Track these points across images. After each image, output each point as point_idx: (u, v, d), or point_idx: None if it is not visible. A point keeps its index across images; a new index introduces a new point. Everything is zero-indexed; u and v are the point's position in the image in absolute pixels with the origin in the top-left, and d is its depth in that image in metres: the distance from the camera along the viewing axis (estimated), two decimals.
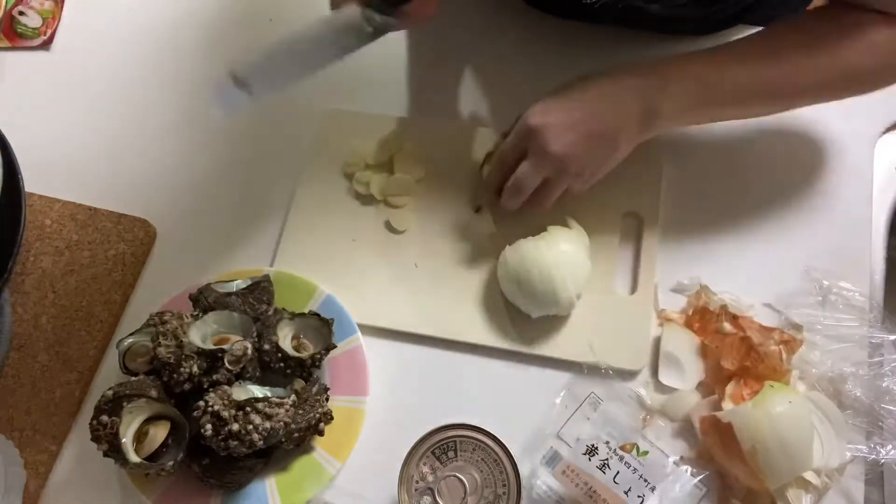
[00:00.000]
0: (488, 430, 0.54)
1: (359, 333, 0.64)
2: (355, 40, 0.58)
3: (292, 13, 0.84)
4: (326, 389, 0.61)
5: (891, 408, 0.59)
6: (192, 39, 0.83)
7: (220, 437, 0.55)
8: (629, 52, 0.75)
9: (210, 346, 0.59)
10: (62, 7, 0.86)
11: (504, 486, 0.53)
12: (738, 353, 0.60)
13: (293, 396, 0.58)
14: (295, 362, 0.61)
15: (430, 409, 0.63)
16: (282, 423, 0.56)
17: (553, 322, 0.64)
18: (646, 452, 0.58)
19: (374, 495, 0.60)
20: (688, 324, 0.63)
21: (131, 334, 0.62)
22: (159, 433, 0.57)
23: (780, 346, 0.59)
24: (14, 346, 0.67)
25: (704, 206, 0.69)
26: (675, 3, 0.68)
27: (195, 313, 0.62)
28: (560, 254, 0.61)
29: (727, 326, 0.61)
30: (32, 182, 0.69)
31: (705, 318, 0.63)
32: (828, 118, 0.71)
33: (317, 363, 0.61)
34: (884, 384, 0.60)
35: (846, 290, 0.64)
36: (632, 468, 0.56)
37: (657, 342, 0.63)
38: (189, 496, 0.59)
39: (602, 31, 0.76)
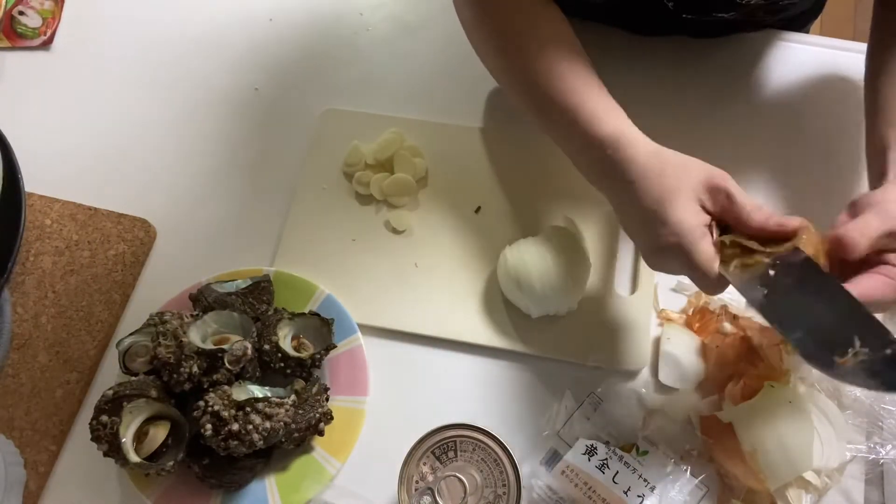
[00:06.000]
0: (488, 430, 0.54)
1: (359, 333, 0.64)
2: None
3: (292, 13, 0.84)
4: (326, 389, 0.61)
5: (891, 408, 0.59)
6: (192, 39, 0.83)
7: (220, 437, 0.55)
8: (623, 52, 0.75)
9: (210, 346, 0.59)
10: (62, 7, 0.86)
11: (504, 486, 0.53)
12: (738, 353, 0.60)
13: (293, 396, 0.58)
14: (295, 362, 0.61)
15: (430, 409, 0.63)
16: (282, 423, 0.57)
17: (553, 322, 0.64)
18: (645, 452, 0.58)
19: (374, 495, 0.60)
20: (688, 324, 0.63)
21: (131, 334, 0.62)
22: (159, 433, 0.57)
23: (780, 346, 0.59)
24: (14, 346, 0.67)
25: None
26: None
27: (195, 313, 0.62)
28: (560, 254, 0.61)
29: (727, 326, 0.61)
30: (32, 182, 0.69)
31: (705, 318, 0.63)
32: (824, 118, 0.71)
33: (317, 363, 0.61)
34: None
35: None
36: (631, 468, 0.56)
37: (657, 342, 0.63)
38: (189, 496, 0.59)
39: (608, 31, 0.76)
